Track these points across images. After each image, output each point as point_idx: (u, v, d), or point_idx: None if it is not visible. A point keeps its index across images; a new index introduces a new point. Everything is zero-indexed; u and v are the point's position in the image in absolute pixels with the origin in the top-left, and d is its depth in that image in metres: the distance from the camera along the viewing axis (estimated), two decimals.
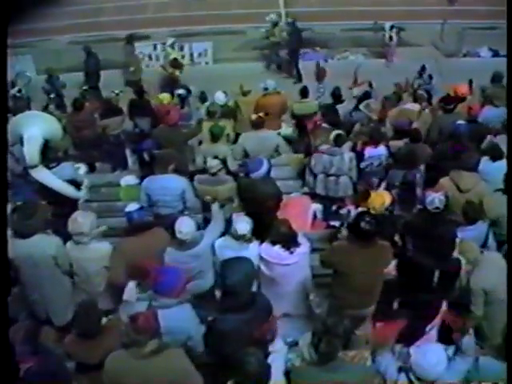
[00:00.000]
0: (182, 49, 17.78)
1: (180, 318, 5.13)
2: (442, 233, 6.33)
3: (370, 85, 11.92)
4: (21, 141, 7.79)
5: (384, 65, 17.20)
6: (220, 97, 10.57)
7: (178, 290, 5.16)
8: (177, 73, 14.49)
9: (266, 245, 6.28)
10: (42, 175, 7.81)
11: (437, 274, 5.96)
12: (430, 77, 13.20)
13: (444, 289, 6.03)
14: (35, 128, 7.81)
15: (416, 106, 10.26)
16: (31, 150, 7.71)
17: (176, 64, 14.67)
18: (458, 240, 6.29)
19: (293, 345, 5.50)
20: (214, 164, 8.05)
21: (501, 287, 5.87)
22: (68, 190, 7.84)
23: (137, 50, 17.29)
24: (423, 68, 13.28)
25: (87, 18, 19.92)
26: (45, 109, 12.77)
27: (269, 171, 7.58)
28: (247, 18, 19.18)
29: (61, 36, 18.58)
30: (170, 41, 16.45)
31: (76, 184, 8.03)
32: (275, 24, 16.76)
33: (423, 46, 18.08)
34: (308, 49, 17.90)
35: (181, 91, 11.88)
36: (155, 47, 18.16)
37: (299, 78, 15.91)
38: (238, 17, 19.39)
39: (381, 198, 7.22)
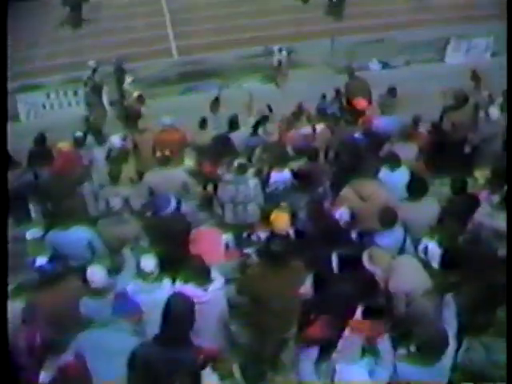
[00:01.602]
0: (75, 94, 17.60)
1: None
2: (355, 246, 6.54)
3: (270, 109, 12.11)
4: None
5: (278, 89, 17.51)
6: (115, 140, 10.55)
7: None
8: (142, 108, 14.34)
9: (178, 284, 6.26)
10: None
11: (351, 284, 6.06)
12: (324, 96, 13.54)
13: (361, 298, 6.16)
14: None
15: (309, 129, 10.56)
16: None
17: (142, 100, 14.48)
18: (369, 249, 6.48)
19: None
20: (115, 203, 7.98)
21: (418, 286, 6.14)
22: None
23: (29, 100, 17.16)
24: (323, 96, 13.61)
25: None
26: None
27: (178, 208, 7.60)
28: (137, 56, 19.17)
29: None
30: (129, 79, 16.32)
31: None
32: (94, 70, 16.71)
33: (315, 66, 18.50)
34: (202, 81, 18.04)
35: (78, 134, 11.62)
36: (48, 96, 17.87)
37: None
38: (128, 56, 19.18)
39: (280, 217, 7.35)
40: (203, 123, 11.21)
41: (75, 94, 17.64)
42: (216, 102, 12.75)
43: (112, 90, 16.91)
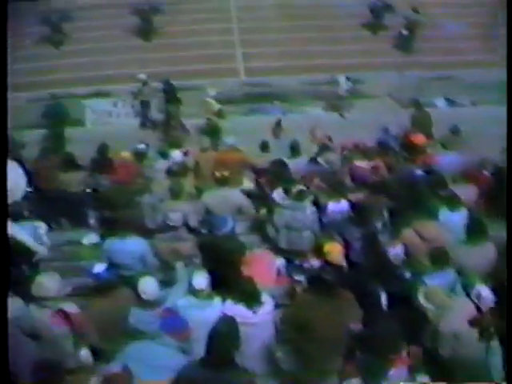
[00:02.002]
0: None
1: None
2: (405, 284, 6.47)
3: (330, 139, 12.15)
4: None
5: (341, 118, 17.52)
6: (177, 155, 10.70)
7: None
8: (221, 123, 14.55)
9: (229, 303, 6.31)
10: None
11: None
12: (387, 130, 13.50)
13: (409, 337, 6.10)
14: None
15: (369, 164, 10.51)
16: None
17: (221, 114, 14.75)
18: (423, 287, 6.42)
19: None
20: (174, 219, 8.11)
21: (468, 329, 6.02)
22: (31, 242, 7.78)
23: (97, 107, 17.64)
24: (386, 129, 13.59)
25: (46, 75, 20.17)
26: None
27: (233, 228, 7.68)
28: (206, 73, 19.58)
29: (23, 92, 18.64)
30: (211, 92, 16.56)
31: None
32: (145, 83, 17.05)
33: (380, 98, 18.47)
34: (266, 103, 18.17)
35: (141, 146, 11.89)
36: (115, 104, 18.27)
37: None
38: (197, 73, 19.77)
39: (334, 248, 7.33)
40: (264, 146, 11.29)
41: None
42: (278, 125, 12.87)
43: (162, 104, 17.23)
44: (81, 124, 17.72)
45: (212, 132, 14.03)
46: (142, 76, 16.96)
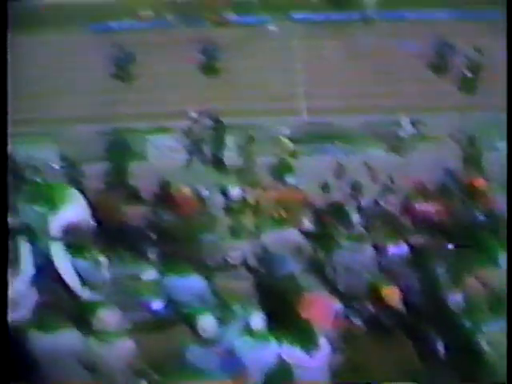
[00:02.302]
0: None
1: None
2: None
3: (391, 180, 12.10)
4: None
5: (403, 159, 17.39)
6: (238, 193, 10.80)
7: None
8: (293, 162, 14.69)
9: (285, 345, 6.31)
10: (58, 254, 7.90)
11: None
12: (447, 171, 13.37)
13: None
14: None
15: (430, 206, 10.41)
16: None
17: (294, 154, 14.93)
18: (486, 333, 6.30)
19: None
20: (234, 257, 8.18)
21: None
22: (75, 284, 7.90)
23: (158, 142, 18.00)
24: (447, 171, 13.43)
25: (110, 108, 20.85)
26: None
27: (291, 269, 7.69)
28: (268, 112, 19.82)
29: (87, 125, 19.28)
30: (285, 130, 16.76)
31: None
32: (195, 121, 17.36)
33: (441, 139, 18.28)
34: (327, 143, 18.21)
35: (204, 191, 12.00)
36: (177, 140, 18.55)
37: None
38: (259, 110, 20.01)
39: (392, 292, 7.25)
40: (325, 187, 11.32)
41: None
42: (340, 166, 12.87)
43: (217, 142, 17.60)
44: (143, 158, 18.05)
45: (282, 171, 14.15)
46: (194, 114, 17.33)
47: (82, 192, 13.15)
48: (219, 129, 17.11)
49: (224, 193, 11.90)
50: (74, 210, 8.22)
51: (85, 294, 7.97)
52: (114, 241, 10.52)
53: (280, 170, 14.40)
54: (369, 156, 16.43)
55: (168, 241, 10.08)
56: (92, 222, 9.25)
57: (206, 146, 17.93)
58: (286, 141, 16.31)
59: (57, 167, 16.73)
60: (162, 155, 18.36)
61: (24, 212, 8.74)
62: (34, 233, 8.35)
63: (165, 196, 11.58)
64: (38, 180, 13.58)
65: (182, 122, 19.26)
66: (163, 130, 19.25)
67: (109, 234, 10.58)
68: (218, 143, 17.47)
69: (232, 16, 26.76)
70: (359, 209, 10.66)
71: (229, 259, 8.21)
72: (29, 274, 7.41)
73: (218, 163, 17.36)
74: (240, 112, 19.68)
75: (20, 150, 17.64)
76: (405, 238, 9.04)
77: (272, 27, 26.27)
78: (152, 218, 11.08)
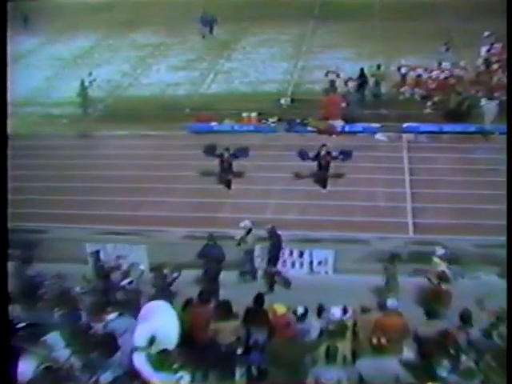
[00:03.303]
0: (301, 255, 18.52)
1: None
2: None
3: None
4: None
5: None
6: (337, 313, 10.91)
7: None
8: (443, 286, 14.89)
9: None
10: (142, 363, 8.29)
11: None
12: None
13: None
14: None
15: None
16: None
17: (443, 277, 15.01)
18: None
19: None
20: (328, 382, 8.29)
21: None
22: None
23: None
24: None
25: (205, 212, 21.79)
26: None
27: None
28: (372, 226, 20.08)
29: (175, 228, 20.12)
30: (439, 251, 16.75)
31: None
32: (248, 231, 17.64)
33: None
34: None
35: (300, 309, 12.14)
36: None
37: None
38: (363, 225, 20.31)
39: None
40: (431, 312, 11.23)
41: (301, 255, 18.74)
42: (446, 293, 12.79)
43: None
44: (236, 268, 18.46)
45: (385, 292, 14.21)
46: (246, 223, 17.84)
47: (171, 302, 13.84)
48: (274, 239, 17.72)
49: (320, 312, 12.04)
50: (161, 322, 8.70)
51: None
52: (201, 357, 10.85)
53: (383, 291, 14.41)
54: (480, 281, 16.18)
55: (258, 360, 10.29)
56: (178, 335, 9.68)
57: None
58: (438, 261, 16.20)
59: (145, 270, 17.47)
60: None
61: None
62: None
63: (258, 312, 11.80)
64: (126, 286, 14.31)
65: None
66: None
67: (195, 349, 10.91)
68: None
69: (339, 123, 27.41)
70: (468, 340, 10.48)
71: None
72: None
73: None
74: (340, 225, 20.15)
75: (109, 249, 18.71)
76: None
77: (380, 136, 26.81)
78: (243, 336, 11.33)
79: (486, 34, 32.82)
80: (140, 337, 8.56)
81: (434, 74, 29.80)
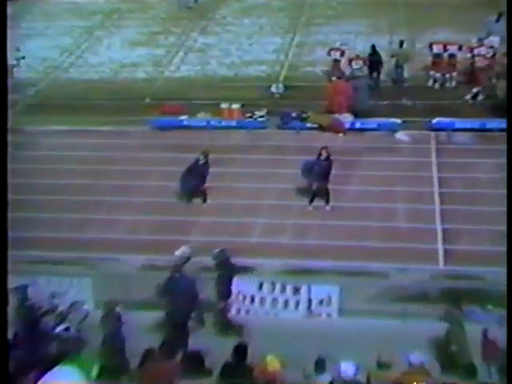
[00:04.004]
0: (296, 291, 18.51)
1: None
2: None
3: None
4: None
5: None
6: (348, 370, 10.95)
7: None
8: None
9: None
10: None
11: None
12: None
13: None
14: None
15: None
16: None
17: None
18: None
19: None
20: None
21: None
22: None
23: (235, 288, 18.41)
24: None
25: (170, 234, 21.60)
26: None
27: None
28: (390, 254, 20.11)
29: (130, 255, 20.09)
30: None
31: None
32: (187, 260, 17.69)
33: None
34: (475, 305, 18.01)
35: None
36: (261, 286, 18.98)
37: None
38: (378, 252, 20.28)
39: None
40: (472, 370, 11.31)
41: (296, 291, 18.60)
42: (490, 343, 12.87)
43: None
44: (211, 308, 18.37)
45: None
46: (186, 250, 18.04)
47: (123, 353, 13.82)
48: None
49: (321, 368, 12.04)
50: None
51: None
52: None
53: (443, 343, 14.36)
54: None
55: None
56: None
57: None
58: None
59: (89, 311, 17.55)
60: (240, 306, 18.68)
61: None
62: None
63: (240, 367, 11.79)
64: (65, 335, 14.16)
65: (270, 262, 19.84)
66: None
67: None
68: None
69: (348, 117, 27.37)
70: None
71: None
72: None
73: None
74: (348, 252, 20.24)
75: (40, 283, 18.46)
76: None
77: (402, 136, 26.76)
78: None
79: None
80: None
81: (476, 51, 29.59)
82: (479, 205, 22.00)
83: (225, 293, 17.40)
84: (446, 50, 30.02)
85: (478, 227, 21.07)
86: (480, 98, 28.29)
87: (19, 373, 11.42)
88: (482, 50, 29.43)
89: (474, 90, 28.56)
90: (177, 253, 17.92)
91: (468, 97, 28.60)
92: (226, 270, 17.26)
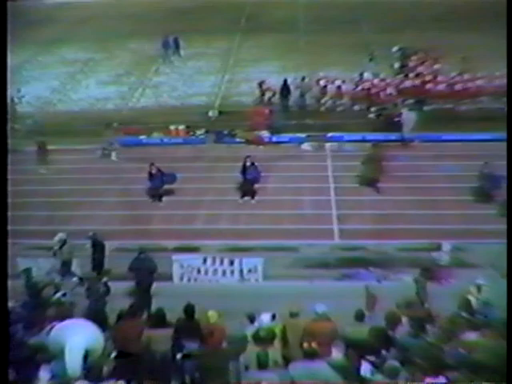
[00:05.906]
0: (231, 263, 18.47)
1: None
2: None
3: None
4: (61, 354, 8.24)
5: (438, 287, 17.15)
6: (266, 319, 10.86)
7: None
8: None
9: None
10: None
11: None
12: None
13: None
14: (78, 338, 8.29)
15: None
16: (73, 362, 8.11)
17: None
18: None
19: None
20: None
21: None
22: None
23: (185, 262, 18.31)
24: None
25: (135, 224, 21.54)
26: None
27: None
28: (299, 233, 20.20)
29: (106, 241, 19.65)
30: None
31: None
32: (63, 243, 18.11)
33: (482, 267, 18.03)
34: (361, 268, 18.29)
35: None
36: (205, 260, 18.77)
37: None
38: (290, 232, 20.45)
39: None
40: (360, 316, 11.18)
41: (231, 263, 18.56)
42: (371, 296, 12.84)
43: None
44: (168, 278, 18.26)
45: None
46: (61, 235, 18.19)
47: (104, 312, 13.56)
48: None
49: (252, 318, 11.97)
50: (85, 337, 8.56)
51: None
52: (136, 368, 10.63)
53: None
54: (405, 283, 16.34)
55: (193, 369, 10.15)
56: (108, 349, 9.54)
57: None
58: None
59: (77, 281, 17.48)
60: (188, 276, 18.57)
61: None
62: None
63: (189, 322, 11.64)
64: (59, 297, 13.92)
65: (210, 241, 19.87)
66: (193, 248, 19.69)
67: (131, 360, 10.70)
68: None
69: (266, 134, 27.66)
70: (394, 340, 10.53)
71: None
72: None
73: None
74: (269, 233, 20.25)
75: (41, 263, 18.21)
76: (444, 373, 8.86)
77: (306, 146, 27.09)
78: (176, 345, 11.15)
79: (395, 48, 34.02)
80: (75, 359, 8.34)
81: (360, 84, 30.69)
82: (363, 195, 22.35)
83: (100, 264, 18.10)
84: (332, 83, 30.72)
85: (363, 212, 21.41)
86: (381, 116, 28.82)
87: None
88: (362, 83, 30.58)
89: (373, 109, 29.24)
90: (56, 238, 18.08)
91: (372, 115, 29.22)
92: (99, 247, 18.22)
